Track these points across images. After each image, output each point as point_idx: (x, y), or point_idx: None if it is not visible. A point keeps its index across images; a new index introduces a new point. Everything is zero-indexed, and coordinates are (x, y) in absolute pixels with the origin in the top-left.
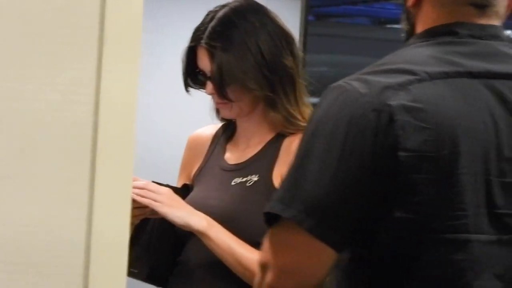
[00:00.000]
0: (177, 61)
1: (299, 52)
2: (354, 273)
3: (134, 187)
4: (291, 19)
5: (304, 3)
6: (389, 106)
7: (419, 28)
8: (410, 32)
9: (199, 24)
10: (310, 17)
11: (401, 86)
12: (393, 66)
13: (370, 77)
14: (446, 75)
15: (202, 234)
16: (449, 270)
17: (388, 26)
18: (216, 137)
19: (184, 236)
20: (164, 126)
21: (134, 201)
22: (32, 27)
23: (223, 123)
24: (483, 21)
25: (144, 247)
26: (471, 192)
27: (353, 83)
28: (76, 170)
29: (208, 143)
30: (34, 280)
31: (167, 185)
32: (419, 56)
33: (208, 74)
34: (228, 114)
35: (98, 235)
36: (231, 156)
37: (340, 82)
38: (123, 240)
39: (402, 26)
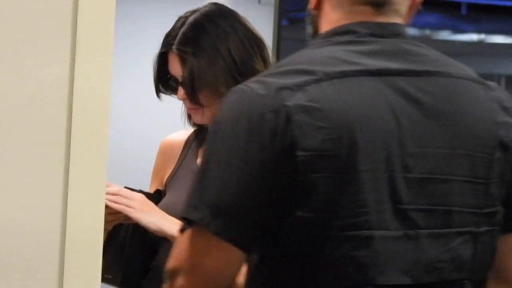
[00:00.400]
0: (149, 66)
1: (271, 57)
2: (261, 274)
3: (107, 193)
4: (264, 24)
5: (278, 8)
6: (286, 107)
7: (322, 30)
8: (315, 35)
9: (170, 30)
10: (284, 22)
11: (298, 87)
12: (292, 67)
13: (269, 79)
14: (344, 74)
15: (175, 239)
16: (353, 267)
17: None
18: (188, 142)
19: (157, 242)
20: (137, 130)
21: (107, 207)
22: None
23: (195, 128)
24: (384, 19)
25: (117, 253)
26: (372, 189)
27: (251, 85)
28: (50, 173)
29: (180, 148)
30: (5, 284)
31: (140, 191)
32: (318, 56)
33: (180, 79)
34: (200, 119)
35: (72, 239)
36: None
37: (240, 85)
38: (97, 243)
39: (307, 29)
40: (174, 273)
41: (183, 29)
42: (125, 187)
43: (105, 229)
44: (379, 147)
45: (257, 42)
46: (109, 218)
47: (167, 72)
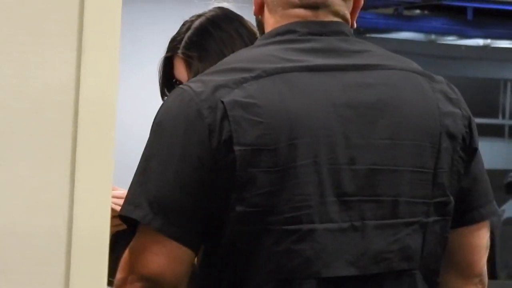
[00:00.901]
0: (154, 71)
1: None
2: (208, 267)
3: (113, 197)
4: None
5: None
6: (222, 103)
7: (265, 31)
8: None
9: (175, 34)
10: None
11: (236, 84)
12: (231, 66)
13: (207, 77)
14: (283, 71)
15: None
16: (295, 260)
17: (368, 35)
18: None
19: None
20: (142, 134)
21: (112, 210)
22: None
23: None
24: (324, 18)
25: (121, 256)
26: (314, 183)
27: (190, 84)
28: (56, 176)
29: None
30: (14, 282)
31: None
32: (257, 54)
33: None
34: None
35: (78, 242)
36: None
37: (181, 85)
38: (103, 246)
39: (257, 36)
40: (121, 284)
41: (188, 33)
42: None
43: (110, 233)
44: (321, 141)
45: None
46: (114, 222)
47: (173, 76)
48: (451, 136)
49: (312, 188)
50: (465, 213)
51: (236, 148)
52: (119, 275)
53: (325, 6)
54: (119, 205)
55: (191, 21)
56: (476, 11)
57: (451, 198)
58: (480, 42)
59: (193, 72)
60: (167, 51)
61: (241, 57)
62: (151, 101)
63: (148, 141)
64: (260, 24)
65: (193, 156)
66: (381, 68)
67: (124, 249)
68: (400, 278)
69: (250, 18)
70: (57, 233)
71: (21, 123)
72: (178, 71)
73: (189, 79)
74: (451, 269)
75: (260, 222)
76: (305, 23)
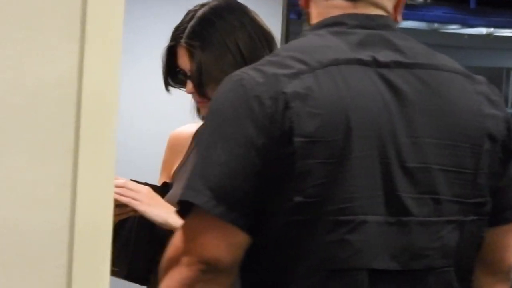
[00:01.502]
0: (156, 60)
1: None
2: (254, 258)
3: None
4: (272, 17)
5: (286, 1)
6: (284, 94)
7: (313, 23)
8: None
9: (179, 24)
10: (292, 16)
11: (295, 75)
12: (286, 55)
13: (266, 68)
14: (337, 62)
15: None
16: (348, 251)
17: None
18: (196, 135)
19: (164, 235)
20: (146, 125)
21: (114, 200)
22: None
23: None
24: (371, 10)
25: (123, 246)
26: (366, 175)
27: (250, 72)
28: (58, 169)
29: (189, 141)
30: (16, 274)
31: (146, 184)
32: (311, 46)
33: (188, 73)
34: None
35: (81, 234)
36: None
37: (237, 72)
38: (106, 236)
39: (304, 26)
40: (174, 262)
41: (191, 22)
42: (131, 180)
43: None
44: (372, 135)
45: (266, 36)
46: (116, 211)
47: (176, 65)
48: (492, 138)
49: (365, 181)
50: (500, 212)
51: (296, 139)
52: (169, 255)
53: None
54: (120, 194)
55: (195, 10)
56: (479, 0)
57: (489, 198)
58: (483, 31)
59: (195, 61)
60: (171, 40)
61: (293, 48)
62: (154, 90)
63: (206, 128)
64: (308, 17)
65: (255, 145)
66: (428, 68)
67: (127, 238)
68: (438, 275)
69: (254, 8)
70: (59, 225)
71: (22, 117)
72: (181, 60)
73: (191, 68)
74: (480, 264)
75: (315, 212)
76: (353, 15)
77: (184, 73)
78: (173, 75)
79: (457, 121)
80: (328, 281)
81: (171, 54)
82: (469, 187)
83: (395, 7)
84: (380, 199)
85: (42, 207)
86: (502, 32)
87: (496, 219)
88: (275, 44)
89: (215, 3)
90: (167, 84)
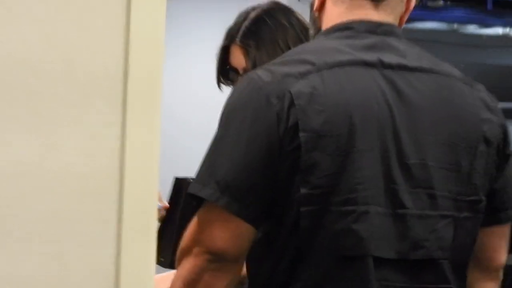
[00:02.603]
0: (203, 62)
1: None
2: (263, 249)
3: None
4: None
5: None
6: (290, 93)
7: (324, 27)
8: (317, 34)
9: (232, 25)
10: None
11: (302, 75)
12: (296, 57)
13: (275, 67)
14: (342, 64)
15: None
16: (353, 239)
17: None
18: None
19: None
20: (190, 122)
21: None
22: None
23: None
24: (379, 18)
25: (168, 238)
26: (368, 167)
27: (259, 72)
28: (105, 162)
29: None
30: (69, 263)
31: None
32: (320, 48)
33: (241, 71)
34: None
35: (129, 227)
36: None
37: (249, 73)
38: (152, 230)
39: (311, 32)
40: (186, 252)
41: (246, 23)
42: (175, 177)
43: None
44: (374, 131)
45: (308, 34)
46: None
47: (228, 64)
48: (487, 141)
49: (367, 173)
50: (494, 213)
51: (301, 134)
52: (182, 246)
53: (387, 1)
54: None
55: (247, 12)
56: (496, 1)
57: (483, 198)
58: (499, 31)
59: (250, 59)
60: (224, 40)
61: (303, 49)
62: (199, 89)
63: (218, 125)
64: (316, 20)
65: (261, 141)
66: (429, 72)
67: (171, 232)
68: (434, 266)
69: (299, 11)
70: (108, 217)
71: (70, 109)
72: (236, 59)
73: (246, 65)
74: (472, 261)
75: (322, 202)
76: (363, 21)
77: (237, 71)
78: (224, 73)
79: (455, 123)
80: (337, 267)
81: (224, 54)
82: (464, 185)
83: (402, 17)
84: (380, 190)
85: (91, 199)
86: None
87: (490, 220)
88: None
89: (266, 5)
90: (219, 82)
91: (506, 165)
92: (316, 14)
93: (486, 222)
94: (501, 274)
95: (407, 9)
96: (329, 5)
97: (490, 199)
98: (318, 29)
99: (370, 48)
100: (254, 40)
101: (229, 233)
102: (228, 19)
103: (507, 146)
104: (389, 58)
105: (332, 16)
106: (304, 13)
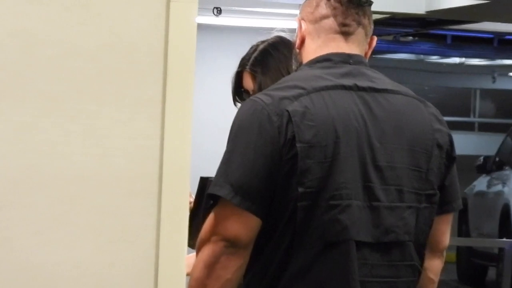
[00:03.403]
0: (223, 82)
1: None
2: (265, 238)
3: None
4: None
5: None
6: (287, 111)
7: (305, 60)
8: (299, 66)
9: (245, 55)
10: None
11: (295, 97)
12: (289, 84)
13: (273, 92)
14: (326, 88)
15: None
16: (338, 227)
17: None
18: None
19: None
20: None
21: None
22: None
23: None
24: (350, 50)
25: (198, 225)
26: (350, 170)
27: (260, 96)
28: (147, 155)
29: None
30: (112, 249)
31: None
32: (307, 76)
33: (251, 92)
34: None
35: (167, 217)
36: None
37: (252, 97)
38: (185, 218)
39: (294, 65)
40: (204, 242)
41: (255, 54)
42: (201, 176)
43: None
44: (354, 141)
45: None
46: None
47: (241, 86)
48: (440, 147)
49: (349, 175)
50: (443, 204)
51: (298, 145)
52: (201, 236)
53: (354, 35)
54: None
55: (257, 45)
56: (454, 37)
57: (437, 192)
58: (457, 60)
59: (257, 83)
60: (238, 67)
61: (294, 78)
62: (223, 103)
63: (229, 139)
64: (297, 56)
65: (265, 151)
66: (392, 93)
67: (200, 219)
68: (401, 246)
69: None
70: (148, 212)
71: (114, 76)
72: (246, 83)
73: (254, 88)
74: (430, 247)
75: (313, 199)
76: (338, 54)
77: (247, 92)
78: (239, 93)
79: (414, 132)
80: (326, 250)
81: (238, 78)
82: (423, 182)
83: (366, 53)
84: (360, 188)
85: (132, 197)
86: (471, 61)
87: (440, 210)
88: None
89: (272, 40)
90: (235, 100)
91: (452, 166)
92: (298, 50)
93: (437, 212)
94: (444, 253)
95: (369, 47)
96: (308, 42)
97: (441, 194)
98: (299, 63)
99: (347, 75)
100: (261, 68)
101: (241, 224)
102: (242, 51)
103: (453, 151)
104: (362, 82)
105: (311, 50)
106: None
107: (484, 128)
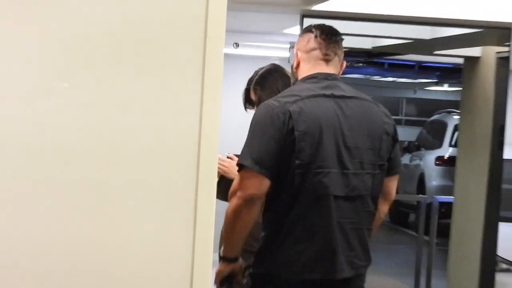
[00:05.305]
0: (237, 95)
1: None
2: (272, 198)
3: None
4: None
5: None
6: (289, 111)
7: (299, 77)
8: (296, 81)
9: (250, 77)
10: None
11: (294, 102)
12: (290, 93)
13: (279, 99)
14: (313, 96)
15: None
16: (322, 186)
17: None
18: None
19: None
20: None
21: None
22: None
23: None
24: (329, 71)
25: (217, 197)
26: (329, 150)
27: (271, 101)
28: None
29: None
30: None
31: (236, 155)
32: (301, 88)
33: (254, 102)
34: None
35: (203, 196)
36: None
37: (266, 101)
38: (212, 194)
39: (292, 80)
40: (233, 193)
41: (256, 77)
42: (226, 154)
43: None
44: (331, 131)
45: (290, 81)
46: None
47: (250, 98)
48: (387, 133)
49: (329, 153)
50: (390, 170)
51: (295, 133)
52: (230, 190)
53: (332, 62)
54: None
55: (258, 70)
56: (389, 64)
57: (386, 162)
58: (390, 79)
59: (257, 96)
60: (246, 85)
61: (292, 89)
62: (236, 110)
63: (250, 129)
64: (294, 73)
65: (275, 137)
66: (356, 98)
67: (219, 192)
68: (363, 199)
69: (288, 68)
70: (185, 204)
71: (154, 54)
72: (252, 96)
73: (256, 100)
74: (379, 195)
75: (306, 168)
76: (322, 74)
77: (253, 103)
78: (248, 103)
79: (371, 125)
80: (315, 202)
81: (247, 92)
82: (376, 156)
83: (338, 73)
84: (335, 161)
85: (167, 198)
86: (400, 80)
87: (388, 173)
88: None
89: (268, 67)
90: (246, 107)
91: (396, 145)
92: (295, 70)
93: (387, 174)
94: (391, 202)
95: (341, 68)
96: (302, 65)
97: (389, 163)
98: (296, 79)
99: (327, 87)
100: (260, 86)
101: (258, 184)
102: (248, 74)
103: (396, 136)
104: (337, 92)
105: (304, 70)
106: (289, 68)
107: (408, 123)
